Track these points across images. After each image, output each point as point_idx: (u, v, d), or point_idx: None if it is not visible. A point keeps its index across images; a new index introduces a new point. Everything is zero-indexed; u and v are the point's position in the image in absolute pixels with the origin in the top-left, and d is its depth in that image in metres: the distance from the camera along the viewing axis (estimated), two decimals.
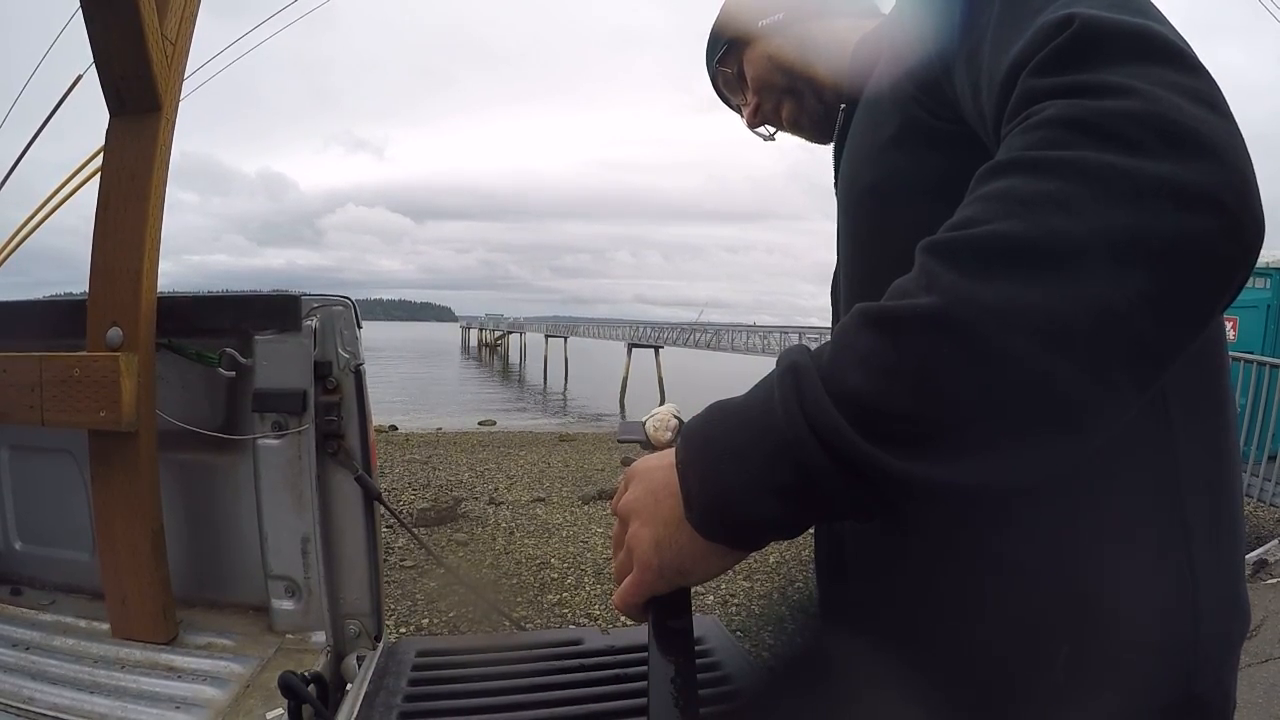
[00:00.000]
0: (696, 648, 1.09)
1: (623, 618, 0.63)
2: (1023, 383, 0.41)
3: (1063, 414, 0.42)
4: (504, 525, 7.56)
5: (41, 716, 1.08)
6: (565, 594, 5.63)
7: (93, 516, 1.39)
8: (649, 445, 0.76)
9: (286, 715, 1.12)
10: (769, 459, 0.47)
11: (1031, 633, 0.59)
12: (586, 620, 5.15)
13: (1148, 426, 0.58)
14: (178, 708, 1.13)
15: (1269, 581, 4.02)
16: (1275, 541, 4.61)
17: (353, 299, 1.47)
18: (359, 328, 1.47)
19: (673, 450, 0.53)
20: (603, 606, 5.29)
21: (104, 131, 1.45)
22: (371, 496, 1.43)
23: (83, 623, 1.40)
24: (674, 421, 0.75)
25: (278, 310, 1.44)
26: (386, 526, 7.37)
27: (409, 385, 32.35)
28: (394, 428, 16.81)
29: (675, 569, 0.54)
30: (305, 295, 1.44)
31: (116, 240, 1.39)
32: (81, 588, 1.39)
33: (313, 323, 1.42)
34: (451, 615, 5.28)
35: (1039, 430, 0.43)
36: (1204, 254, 0.41)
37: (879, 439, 0.43)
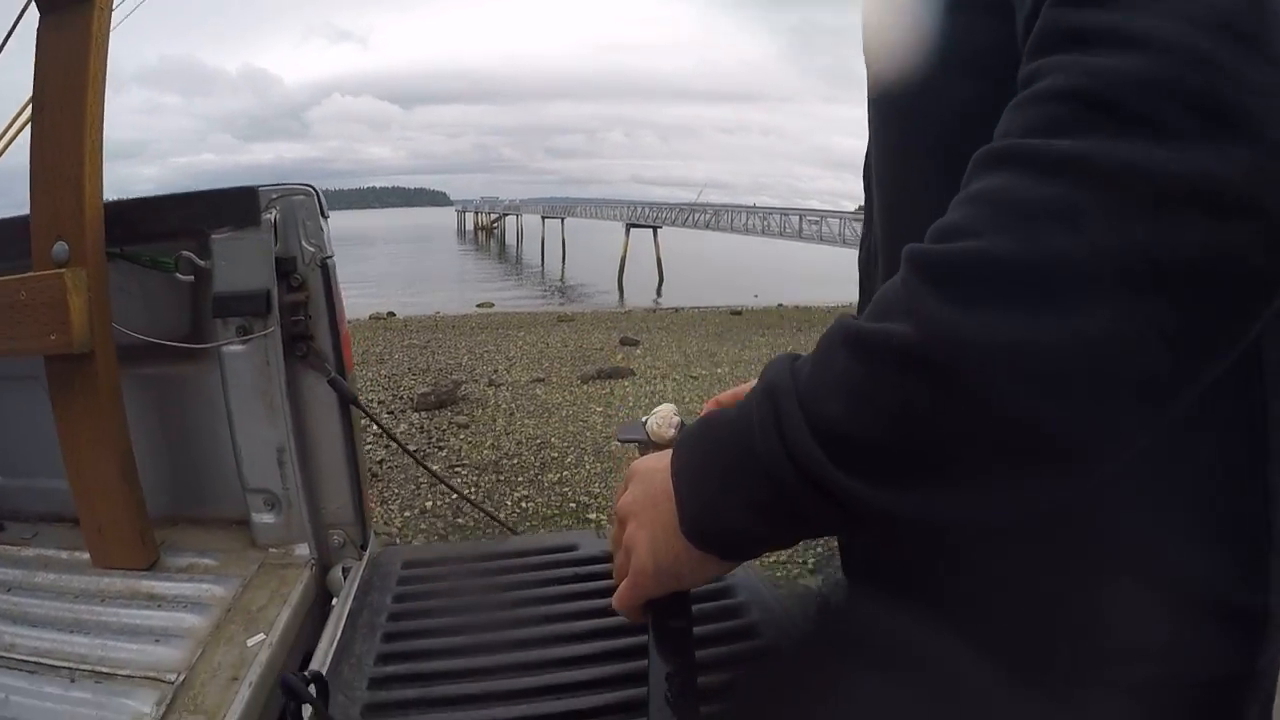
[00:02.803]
0: (726, 600, 1.00)
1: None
2: (1005, 425, 0.37)
3: (1052, 458, 0.39)
4: (504, 406, 7.62)
5: (23, 663, 1.03)
6: (565, 473, 5.70)
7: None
8: (650, 444, 0.75)
9: (265, 637, 1.07)
10: (750, 478, 0.45)
11: (1091, 597, 0.51)
12: (587, 497, 5.22)
13: (1236, 387, 0.48)
14: (157, 641, 1.08)
15: None
16: None
17: (316, 186, 1.33)
18: (324, 217, 1.34)
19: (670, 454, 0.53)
20: (602, 484, 5.36)
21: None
22: (346, 400, 1.34)
23: (64, 554, 1.34)
24: (676, 420, 0.74)
25: (233, 205, 1.30)
26: (387, 412, 7.42)
27: (406, 272, 32.22)
28: (392, 314, 16.83)
29: (671, 574, 0.53)
30: (263, 187, 1.30)
31: (54, 145, 1.24)
32: (63, 516, 1.33)
33: (272, 216, 1.28)
34: (454, 497, 5.37)
35: (1025, 471, 0.39)
36: (1236, 272, 0.34)
37: (855, 469, 0.41)
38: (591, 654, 0.94)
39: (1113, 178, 0.34)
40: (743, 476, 0.46)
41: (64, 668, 1.01)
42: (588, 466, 5.84)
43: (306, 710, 0.65)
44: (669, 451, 0.54)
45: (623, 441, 0.80)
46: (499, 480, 5.61)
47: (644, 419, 0.77)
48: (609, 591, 1.10)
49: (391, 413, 7.41)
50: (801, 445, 0.42)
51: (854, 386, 0.40)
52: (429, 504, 5.07)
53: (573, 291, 25.23)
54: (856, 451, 0.40)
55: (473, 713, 0.84)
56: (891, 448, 0.39)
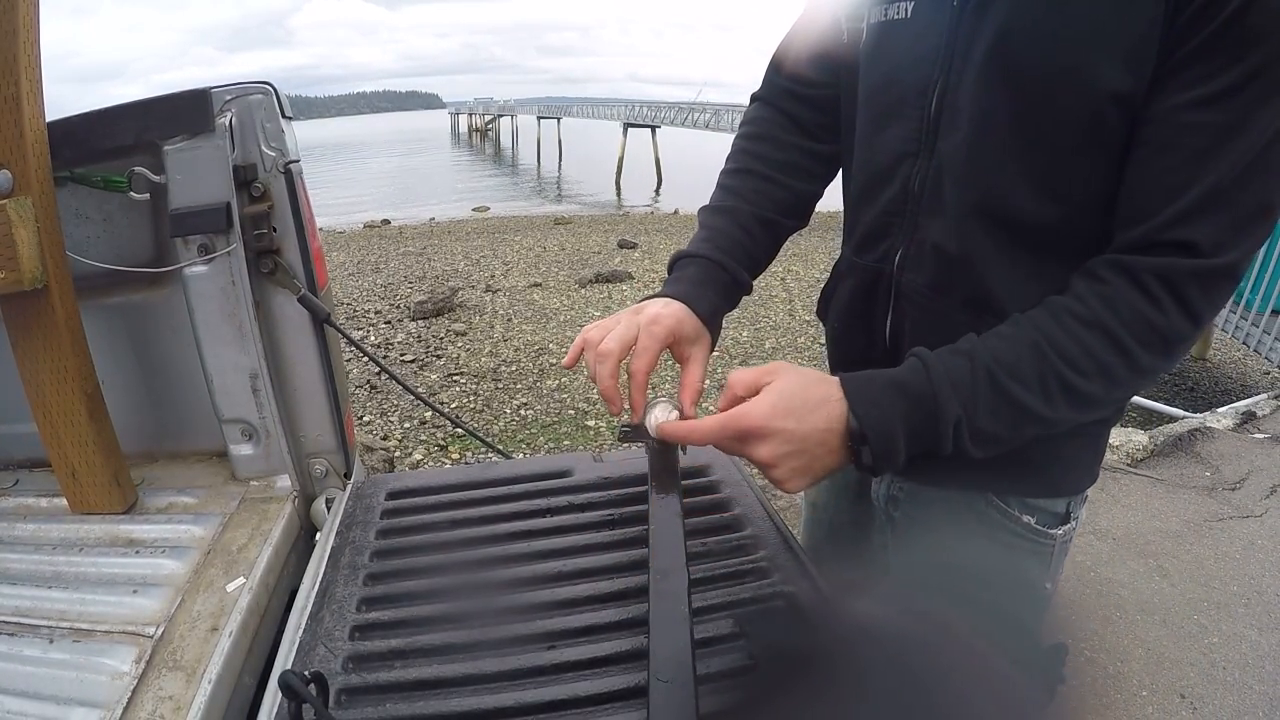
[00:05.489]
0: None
1: (617, 443, 0.85)
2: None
3: None
4: (501, 313, 7.53)
5: (4, 624, 0.98)
6: (564, 379, 5.66)
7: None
8: (651, 439, 0.84)
9: (245, 581, 1.01)
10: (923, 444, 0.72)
11: None
12: (586, 404, 5.20)
13: None
14: (135, 591, 1.02)
15: (1256, 436, 3.87)
16: (1264, 396, 4.50)
17: (274, 85, 1.18)
18: (286, 118, 1.20)
19: (832, 417, 0.71)
20: None
21: None
22: (319, 319, 1.23)
23: (44, 502, 1.27)
24: (675, 415, 0.83)
25: (184, 111, 1.15)
26: (384, 322, 7.34)
27: (399, 178, 31.56)
28: (386, 222, 16.56)
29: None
30: (215, 88, 1.16)
31: None
32: (44, 460, 1.24)
33: (227, 119, 1.15)
34: (454, 405, 5.34)
35: None
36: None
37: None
38: (587, 596, 0.87)
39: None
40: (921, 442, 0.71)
41: (43, 627, 0.97)
42: (586, 373, 5.80)
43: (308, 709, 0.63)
44: (817, 382, 0.72)
45: (623, 438, 0.86)
46: (498, 388, 5.58)
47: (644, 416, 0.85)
48: (605, 524, 1.04)
49: (389, 322, 7.34)
50: (962, 446, 0.71)
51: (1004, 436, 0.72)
52: (428, 414, 5.04)
53: (570, 194, 24.74)
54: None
55: (459, 665, 0.78)
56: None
